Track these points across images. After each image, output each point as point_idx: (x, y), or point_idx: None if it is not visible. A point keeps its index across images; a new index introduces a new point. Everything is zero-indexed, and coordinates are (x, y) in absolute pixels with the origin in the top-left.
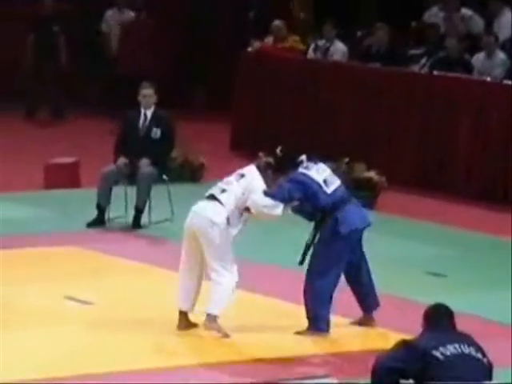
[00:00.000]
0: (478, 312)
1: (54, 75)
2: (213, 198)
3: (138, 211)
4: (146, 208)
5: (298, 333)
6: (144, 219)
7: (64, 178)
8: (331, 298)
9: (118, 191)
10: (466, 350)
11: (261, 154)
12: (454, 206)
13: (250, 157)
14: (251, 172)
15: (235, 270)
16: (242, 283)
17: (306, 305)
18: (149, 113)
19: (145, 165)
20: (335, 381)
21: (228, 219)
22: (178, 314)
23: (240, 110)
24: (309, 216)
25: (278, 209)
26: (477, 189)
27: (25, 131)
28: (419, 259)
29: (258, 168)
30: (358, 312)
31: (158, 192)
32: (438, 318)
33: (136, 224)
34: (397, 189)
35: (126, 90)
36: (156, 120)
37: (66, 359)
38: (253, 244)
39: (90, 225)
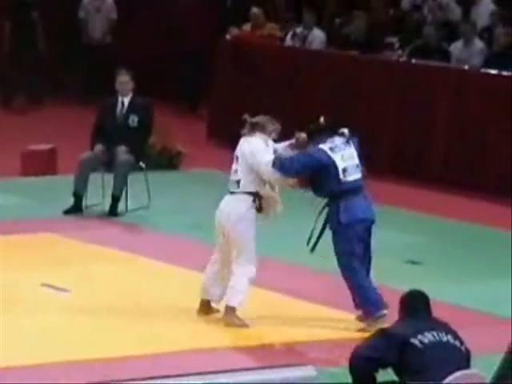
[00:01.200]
0: (455, 300)
1: (32, 62)
2: (231, 193)
3: (115, 199)
4: (123, 195)
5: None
6: (121, 207)
7: (41, 165)
8: (367, 281)
9: (95, 178)
10: (444, 337)
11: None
12: (431, 194)
13: (226, 144)
14: (243, 147)
15: (255, 262)
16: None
17: (353, 299)
18: (126, 100)
19: (122, 152)
20: (314, 370)
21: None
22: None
23: (217, 98)
24: (317, 193)
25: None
26: (454, 176)
27: (2, 118)
28: (396, 247)
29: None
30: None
31: (135, 179)
32: (415, 305)
33: (113, 211)
34: (374, 176)
35: (105, 77)
36: (133, 107)
37: (43, 346)
38: None
39: (67, 212)
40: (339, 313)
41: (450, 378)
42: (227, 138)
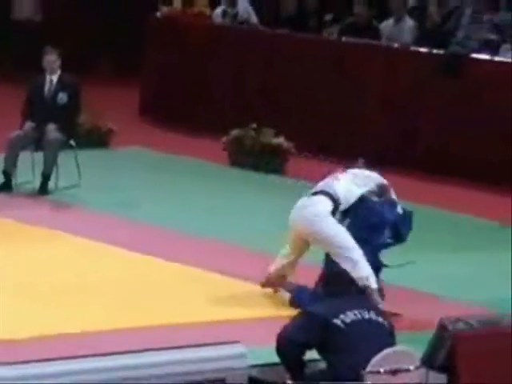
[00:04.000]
0: (390, 279)
1: None
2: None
3: (45, 177)
4: (54, 174)
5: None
6: (51, 185)
7: None
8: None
9: (25, 157)
10: (366, 315)
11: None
12: None
13: (158, 122)
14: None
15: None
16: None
17: None
18: (54, 78)
19: (51, 130)
20: (242, 348)
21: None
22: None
23: (148, 76)
24: None
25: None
26: (385, 154)
27: None
28: None
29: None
30: None
31: (65, 158)
32: (336, 283)
33: (43, 190)
34: (305, 155)
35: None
36: (62, 85)
37: None
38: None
39: None
40: (269, 291)
41: (379, 356)
42: (159, 115)
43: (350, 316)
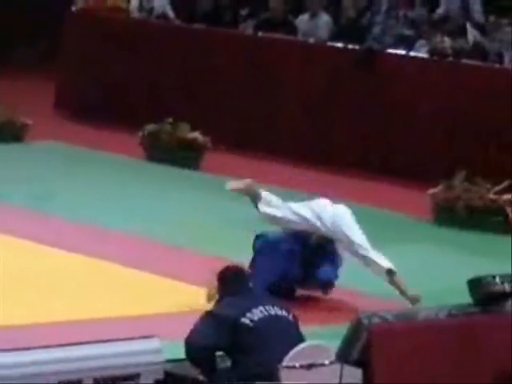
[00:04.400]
0: None
1: None
2: None
3: None
4: None
5: None
6: None
7: None
8: None
9: None
10: (272, 310)
11: None
12: (277, 167)
13: (73, 116)
14: None
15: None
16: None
17: None
18: None
19: None
20: (158, 343)
21: None
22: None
23: (64, 69)
24: None
25: None
26: (301, 150)
27: None
28: (243, 220)
29: None
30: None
31: None
32: (236, 281)
33: None
34: (221, 149)
35: None
36: None
37: None
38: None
39: None
40: (186, 286)
41: (294, 351)
42: (74, 109)
43: (256, 313)
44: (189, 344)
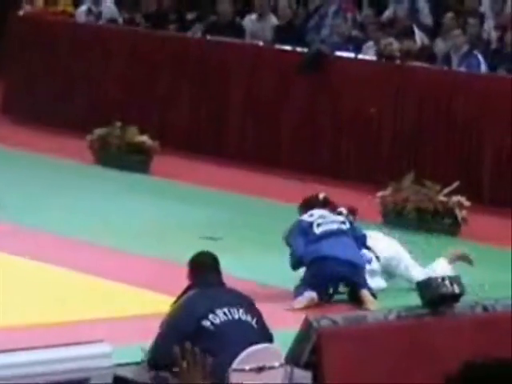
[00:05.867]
0: (252, 275)
1: None
2: None
3: None
4: None
5: None
6: None
7: None
8: None
9: None
10: (236, 314)
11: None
12: (225, 170)
13: (20, 121)
14: None
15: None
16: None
17: None
18: None
19: None
20: (109, 347)
21: None
22: None
23: (11, 74)
24: None
25: None
26: (249, 153)
27: None
28: (193, 223)
29: None
30: None
31: None
32: (206, 271)
33: None
34: (170, 153)
35: None
36: None
37: None
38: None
39: None
40: (135, 290)
41: (244, 354)
42: (21, 113)
43: (219, 315)
44: (152, 350)
